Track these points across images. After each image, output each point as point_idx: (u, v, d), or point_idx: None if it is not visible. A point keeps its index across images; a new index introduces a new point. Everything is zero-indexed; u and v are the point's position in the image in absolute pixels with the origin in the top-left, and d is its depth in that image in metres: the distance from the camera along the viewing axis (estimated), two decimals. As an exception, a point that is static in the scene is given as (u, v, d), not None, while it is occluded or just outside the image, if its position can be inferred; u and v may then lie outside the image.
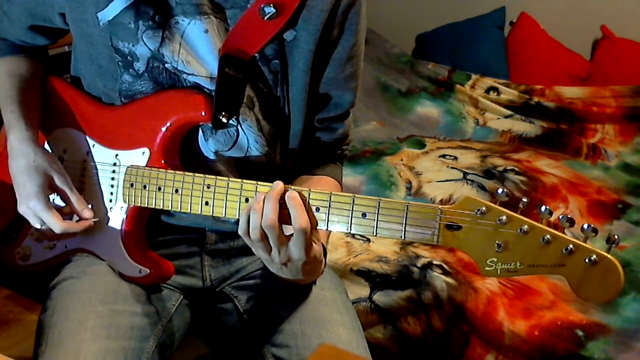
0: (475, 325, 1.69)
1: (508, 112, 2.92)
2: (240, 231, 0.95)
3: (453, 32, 3.28)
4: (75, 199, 1.05)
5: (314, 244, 0.96)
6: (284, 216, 0.94)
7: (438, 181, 2.35)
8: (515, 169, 2.44)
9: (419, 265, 1.86)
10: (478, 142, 2.76)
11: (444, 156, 2.56)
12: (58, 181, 1.04)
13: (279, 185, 0.94)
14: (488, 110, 2.96)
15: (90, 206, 1.07)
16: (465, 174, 2.38)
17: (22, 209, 1.05)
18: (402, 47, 3.27)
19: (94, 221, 1.06)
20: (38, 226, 1.05)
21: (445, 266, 1.85)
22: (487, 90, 3.04)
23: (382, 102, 2.99)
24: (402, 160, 2.53)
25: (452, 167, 2.45)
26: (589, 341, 1.66)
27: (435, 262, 1.86)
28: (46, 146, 1.15)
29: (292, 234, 0.94)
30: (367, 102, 2.88)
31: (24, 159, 1.04)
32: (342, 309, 1.12)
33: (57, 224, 1.02)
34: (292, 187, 0.95)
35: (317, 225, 0.95)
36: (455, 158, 2.54)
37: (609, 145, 2.74)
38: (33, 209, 1.03)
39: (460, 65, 3.15)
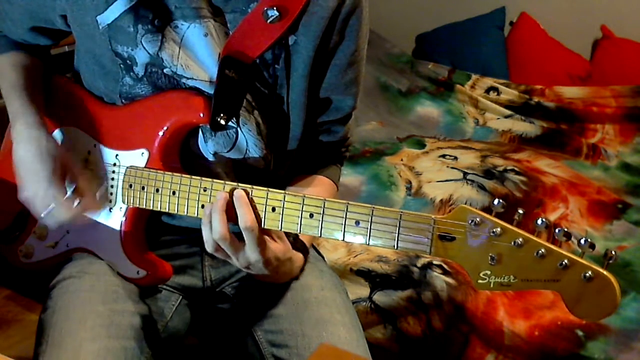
0: (475, 325, 1.69)
1: (508, 112, 2.92)
2: None
3: (453, 32, 3.28)
4: (85, 182, 1.04)
5: (268, 242, 0.96)
6: (233, 218, 0.95)
7: (438, 181, 2.35)
8: (515, 169, 2.44)
9: (418, 265, 1.86)
10: (478, 142, 2.76)
11: (444, 156, 2.56)
12: (68, 167, 1.03)
13: (221, 197, 0.94)
14: (488, 110, 2.96)
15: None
16: (465, 174, 2.38)
17: (27, 194, 1.02)
18: (402, 47, 3.27)
19: (94, 220, 1.06)
20: (43, 214, 1.02)
21: (445, 266, 1.85)
22: (487, 90, 3.04)
23: (382, 102, 2.99)
24: (402, 160, 2.53)
25: (452, 167, 2.44)
26: (589, 341, 1.66)
27: (435, 262, 1.86)
28: None
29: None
30: (367, 102, 2.88)
31: (34, 143, 1.03)
32: (342, 309, 1.11)
33: (65, 211, 1.01)
34: (287, 192, 0.95)
35: (263, 223, 0.94)
36: (455, 158, 2.54)
37: (609, 145, 2.73)
38: (45, 193, 1.00)
39: (460, 65, 3.15)
